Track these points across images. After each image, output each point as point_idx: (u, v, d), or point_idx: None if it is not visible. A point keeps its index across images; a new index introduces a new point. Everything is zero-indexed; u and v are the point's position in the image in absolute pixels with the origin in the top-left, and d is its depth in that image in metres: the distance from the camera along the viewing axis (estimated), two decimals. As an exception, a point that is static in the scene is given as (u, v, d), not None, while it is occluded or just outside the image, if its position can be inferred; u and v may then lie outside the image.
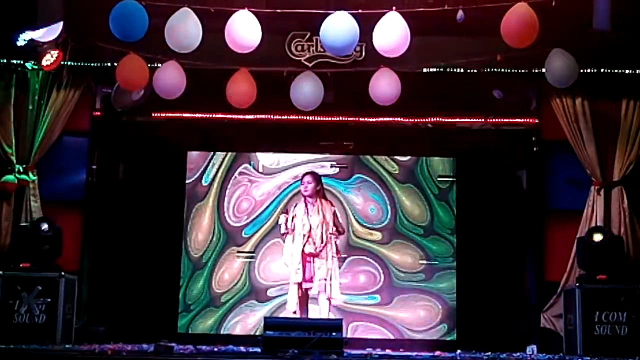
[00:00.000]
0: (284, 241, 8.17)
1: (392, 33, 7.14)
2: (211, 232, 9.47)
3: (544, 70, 7.65)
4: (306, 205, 8.00)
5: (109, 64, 8.27)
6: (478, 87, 8.60)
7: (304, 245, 7.86)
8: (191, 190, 9.53)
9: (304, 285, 7.86)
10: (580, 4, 7.37)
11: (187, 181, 9.53)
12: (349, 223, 9.31)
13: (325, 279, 7.80)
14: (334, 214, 8.10)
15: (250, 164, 9.60)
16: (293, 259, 7.88)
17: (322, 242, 7.85)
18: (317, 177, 8.17)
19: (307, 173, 8.27)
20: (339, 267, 8.17)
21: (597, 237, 8.02)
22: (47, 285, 7.77)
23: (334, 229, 7.99)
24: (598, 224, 8.25)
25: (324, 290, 7.80)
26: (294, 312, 7.86)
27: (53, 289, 7.77)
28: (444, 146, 9.46)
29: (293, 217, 7.99)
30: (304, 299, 7.92)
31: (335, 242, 8.02)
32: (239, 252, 9.44)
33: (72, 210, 8.69)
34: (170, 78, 7.78)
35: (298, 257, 7.85)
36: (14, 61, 8.36)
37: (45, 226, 8.03)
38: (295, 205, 8.13)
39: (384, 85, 7.79)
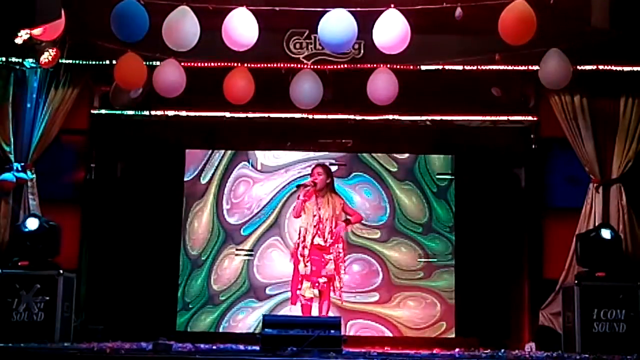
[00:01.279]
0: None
1: (392, 30, 7.13)
2: (210, 230, 9.47)
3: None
4: (316, 198, 7.84)
5: (107, 62, 8.28)
6: (477, 84, 8.60)
7: (313, 238, 7.74)
8: (190, 189, 9.53)
9: (313, 279, 7.70)
10: (578, 1, 7.36)
11: (185, 179, 9.52)
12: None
13: (333, 276, 7.72)
14: (344, 205, 7.98)
15: (248, 162, 9.59)
16: (304, 251, 7.75)
17: (331, 237, 7.75)
18: (327, 170, 8.00)
19: (317, 165, 8.09)
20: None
21: (606, 233, 8.01)
22: (45, 283, 7.76)
23: (343, 220, 7.87)
24: (597, 222, 8.25)
25: (330, 287, 7.73)
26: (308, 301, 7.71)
27: (51, 287, 7.76)
28: (442, 144, 9.46)
29: (303, 202, 7.81)
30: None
31: (343, 238, 7.94)
32: (237, 250, 9.44)
33: (70, 208, 8.69)
34: (171, 76, 7.77)
35: (308, 249, 7.73)
36: (12, 59, 8.35)
37: (33, 224, 7.99)
38: (305, 194, 7.85)
39: (382, 86, 7.78)
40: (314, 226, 7.76)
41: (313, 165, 8.17)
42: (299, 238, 7.84)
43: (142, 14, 7.05)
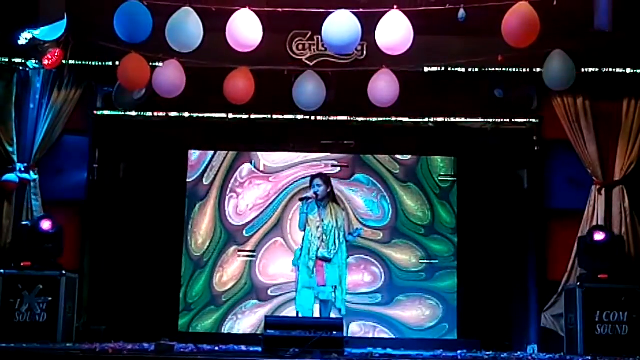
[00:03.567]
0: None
1: (395, 31, 7.13)
2: (212, 231, 9.48)
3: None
4: (318, 208, 7.78)
5: (110, 63, 8.29)
6: (479, 86, 8.60)
7: (317, 250, 7.68)
8: (192, 189, 9.54)
9: (316, 290, 7.67)
10: (581, 4, 7.36)
11: (188, 180, 9.53)
12: (350, 222, 9.28)
13: (336, 286, 7.67)
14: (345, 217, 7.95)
15: (251, 163, 9.60)
16: (309, 262, 7.67)
17: (335, 247, 7.69)
18: (326, 180, 7.89)
19: (316, 176, 7.95)
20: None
21: (598, 236, 8.01)
22: (48, 284, 7.78)
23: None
24: (599, 224, 8.25)
25: (333, 297, 7.68)
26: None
27: (54, 287, 7.79)
28: (445, 145, 9.46)
29: (307, 215, 7.75)
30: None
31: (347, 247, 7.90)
32: (240, 251, 9.44)
33: (72, 209, 8.70)
34: (170, 77, 7.76)
35: (313, 261, 7.66)
36: (16, 60, 8.35)
37: (47, 224, 8.02)
38: (308, 206, 7.76)
39: (382, 87, 7.77)
40: (318, 238, 7.70)
41: (310, 177, 8.04)
42: (303, 250, 7.73)
43: (146, 14, 7.05)
